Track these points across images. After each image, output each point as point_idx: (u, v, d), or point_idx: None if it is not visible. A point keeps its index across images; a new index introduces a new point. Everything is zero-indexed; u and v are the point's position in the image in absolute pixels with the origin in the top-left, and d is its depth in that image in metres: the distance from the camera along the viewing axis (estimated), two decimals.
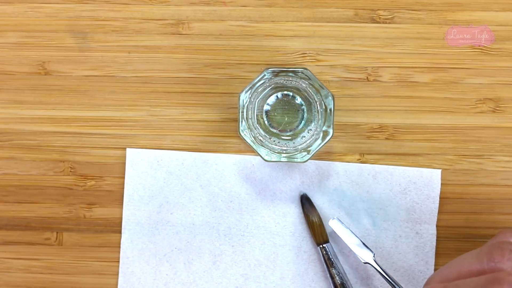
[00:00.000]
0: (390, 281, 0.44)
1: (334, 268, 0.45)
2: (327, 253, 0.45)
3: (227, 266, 0.47)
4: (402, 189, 0.46)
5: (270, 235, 0.47)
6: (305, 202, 0.46)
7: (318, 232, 0.46)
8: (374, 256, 0.44)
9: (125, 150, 0.47)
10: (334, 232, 0.45)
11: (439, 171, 0.46)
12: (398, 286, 0.43)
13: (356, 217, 0.46)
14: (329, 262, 0.45)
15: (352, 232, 0.45)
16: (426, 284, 0.34)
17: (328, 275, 0.45)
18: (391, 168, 0.47)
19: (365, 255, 0.44)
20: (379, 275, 0.44)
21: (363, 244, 0.45)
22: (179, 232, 0.47)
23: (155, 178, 0.47)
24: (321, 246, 0.45)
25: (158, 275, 0.47)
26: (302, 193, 0.46)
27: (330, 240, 0.46)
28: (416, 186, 0.46)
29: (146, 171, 0.47)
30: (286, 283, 0.47)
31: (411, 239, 0.46)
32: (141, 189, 0.47)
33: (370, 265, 0.44)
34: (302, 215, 0.46)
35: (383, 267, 0.45)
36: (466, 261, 0.32)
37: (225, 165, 0.47)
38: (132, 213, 0.47)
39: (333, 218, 0.45)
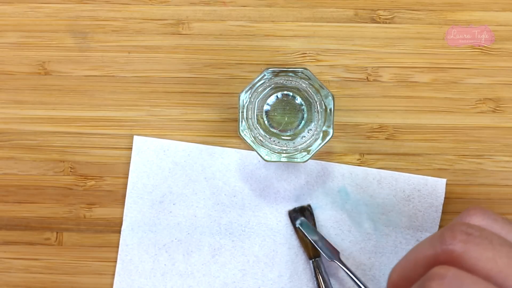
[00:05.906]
0: (355, 280, 0.43)
1: (324, 283, 0.45)
2: (318, 267, 0.45)
3: (226, 260, 0.47)
4: (406, 196, 0.46)
5: (271, 232, 0.47)
6: (303, 222, 0.46)
7: (311, 246, 0.45)
8: (339, 255, 0.44)
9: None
10: (304, 234, 0.45)
11: (444, 180, 0.46)
12: (363, 285, 0.43)
13: (358, 220, 0.46)
14: (320, 276, 0.45)
15: (316, 232, 0.45)
16: (389, 277, 0.33)
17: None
18: (396, 174, 0.46)
19: (331, 254, 0.45)
20: None
21: (329, 243, 0.45)
22: (180, 223, 0.47)
23: (160, 168, 0.47)
24: (312, 260, 0.45)
25: (156, 265, 0.47)
26: (295, 208, 0.46)
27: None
28: (420, 194, 0.46)
29: (152, 160, 0.47)
30: (283, 281, 0.46)
31: (411, 247, 0.46)
32: (145, 177, 0.47)
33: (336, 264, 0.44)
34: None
35: (382, 272, 0.45)
36: (421, 248, 0.31)
37: (231, 159, 0.47)
38: (134, 201, 0.47)
39: (298, 223, 0.46)
